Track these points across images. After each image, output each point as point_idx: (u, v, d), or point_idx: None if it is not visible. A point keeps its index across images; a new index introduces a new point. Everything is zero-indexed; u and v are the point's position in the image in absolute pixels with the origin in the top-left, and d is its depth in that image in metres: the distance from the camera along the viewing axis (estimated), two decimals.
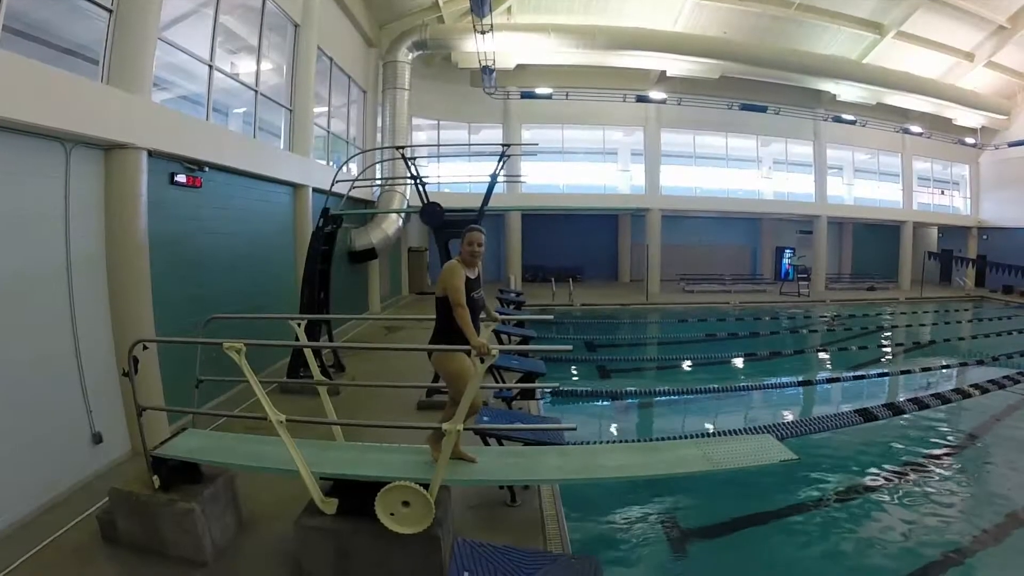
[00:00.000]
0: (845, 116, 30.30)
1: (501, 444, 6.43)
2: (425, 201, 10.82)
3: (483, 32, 18.60)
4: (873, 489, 8.50)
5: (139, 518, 5.10)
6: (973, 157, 35.28)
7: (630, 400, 12.37)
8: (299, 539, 4.81)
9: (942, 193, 36.10)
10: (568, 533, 5.84)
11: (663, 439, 8.87)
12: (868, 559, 6.67)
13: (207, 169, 9.33)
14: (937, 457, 9.79)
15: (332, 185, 11.70)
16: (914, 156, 33.91)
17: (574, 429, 6.01)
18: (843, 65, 27.15)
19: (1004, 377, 14.60)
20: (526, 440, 6.30)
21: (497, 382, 9.20)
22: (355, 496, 4.75)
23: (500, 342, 11.72)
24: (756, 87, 27.44)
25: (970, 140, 33.82)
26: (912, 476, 8.98)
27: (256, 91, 11.91)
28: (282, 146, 13.47)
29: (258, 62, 12.11)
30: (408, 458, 5.25)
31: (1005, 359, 17.18)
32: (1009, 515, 7.74)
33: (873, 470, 9.09)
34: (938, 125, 32.49)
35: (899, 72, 28.08)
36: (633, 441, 9.18)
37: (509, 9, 22.90)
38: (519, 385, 8.76)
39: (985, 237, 35.29)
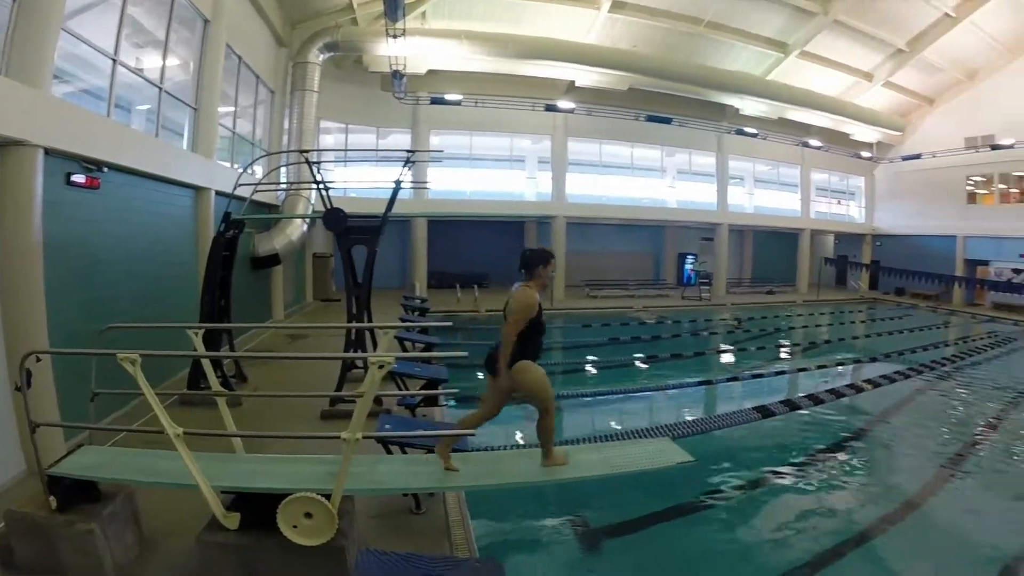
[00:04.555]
0: (748, 129, 31.63)
1: (405, 452, 6.42)
2: (328, 206, 10.63)
3: (395, 36, 18.50)
4: (775, 482, 8.93)
5: (36, 541, 4.87)
6: (868, 169, 37.45)
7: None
8: (202, 556, 4.72)
9: (838, 203, 38.07)
10: (475, 538, 5.89)
11: (567, 443, 9.03)
12: (774, 549, 7.03)
13: (106, 169, 8.95)
14: (834, 450, 10.36)
15: (235, 188, 11.28)
16: (813, 168, 35.72)
17: (473, 435, 6.04)
18: (748, 81, 28.29)
19: (896, 372, 15.51)
20: (428, 447, 6.25)
21: (400, 389, 9.23)
22: (258, 509, 4.68)
23: (404, 349, 11.72)
24: (663, 99, 28.24)
25: (866, 154, 36.02)
26: (811, 468, 9.49)
27: (160, 88, 11.51)
28: (185, 146, 13.04)
29: (164, 57, 11.69)
30: (310, 468, 5.19)
31: (897, 356, 18.28)
32: (904, 502, 8.31)
33: (773, 464, 9.56)
34: (836, 139, 34.38)
35: (801, 89, 29.52)
36: (538, 446, 9.32)
37: (424, 14, 22.71)
38: (422, 392, 8.76)
39: (879, 243, 37.51)
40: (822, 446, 10.43)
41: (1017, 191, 31.33)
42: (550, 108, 27.30)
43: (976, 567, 6.65)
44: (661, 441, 6.20)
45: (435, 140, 26.79)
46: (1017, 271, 29.90)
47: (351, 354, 9.33)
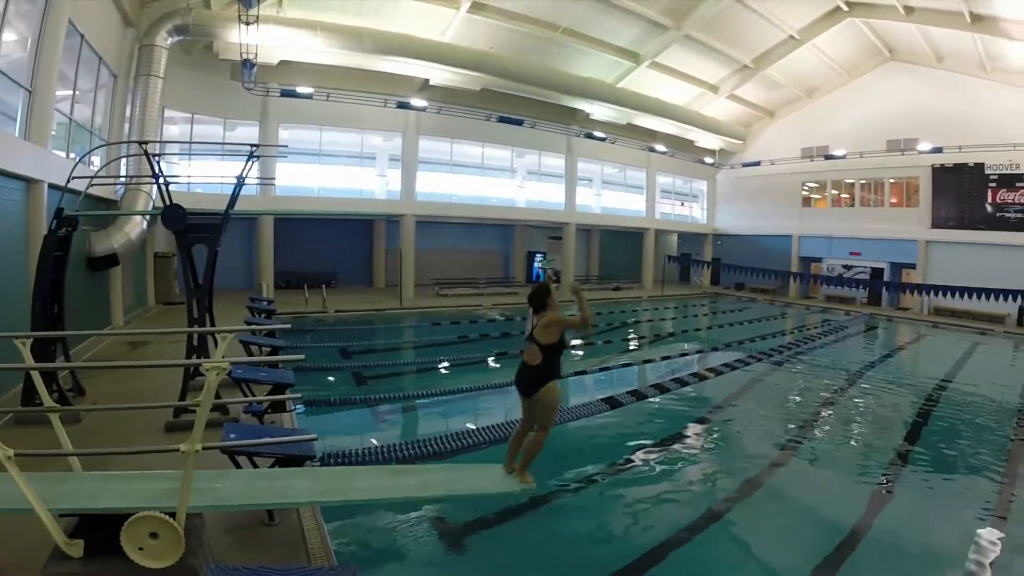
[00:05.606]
0: (597, 133, 32.92)
1: (253, 461, 6.21)
2: (167, 203, 9.93)
3: (248, 23, 17.86)
4: (627, 469, 9.28)
5: None
6: (711, 174, 39.95)
7: (387, 405, 12.41)
8: None
9: (682, 204, 40.10)
10: (333, 545, 5.82)
11: (416, 455, 9.07)
12: (636, 529, 7.42)
13: None
14: (682, 434, 10.95)
15: (68, 181, 10.39)
16: (658, 171, 37.60)
17: (316, 439, 5.97)
18: (599, 87, 29.34)
19: (736, 360, 16.69)
20: (274, 455, 6.14)
21: (245, 395, 8.96)
22: (102, 534, 4.40)
23: (249, 353, 11.39)
24: (515, 101, 28.77)
25: (709, 160, 38.45)
26: (661, 454, 9.93)
27: None
28: (17, 133, 11.78)
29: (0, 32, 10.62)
30: (154, 485, 4.95)
31: (738, 345, 19.68)
32: (750, 478, 8.92)
33: (625, 452, 9.88)
34: (682, 145, 36.24)
35: (650, 97, 30.93)
36: (393, 445, 9.31)
37: (280, 1, 21.95)
38: (267, 398, 8.57)
39: (719, 242, 40.11)
40: (670, 432, 10.96)
41: (848, 196, 34.51)
42: (403, 105, 27.20)
43: (818, 537, 7.21)
44: (502, 470, 6.40)
45: (284, 134, 26.10)
46: (847, 267, 33.47)
47: (188, 361, 8.98)
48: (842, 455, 10.51)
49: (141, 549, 4.32)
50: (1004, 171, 28.14)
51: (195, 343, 9.57)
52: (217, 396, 4.74)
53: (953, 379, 16.29)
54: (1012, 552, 6.79)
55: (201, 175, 20.18)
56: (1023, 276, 25.81)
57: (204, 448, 4.49)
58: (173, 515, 4.36)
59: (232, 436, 6.18)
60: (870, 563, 6.66)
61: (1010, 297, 24.72)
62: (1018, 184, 27.77)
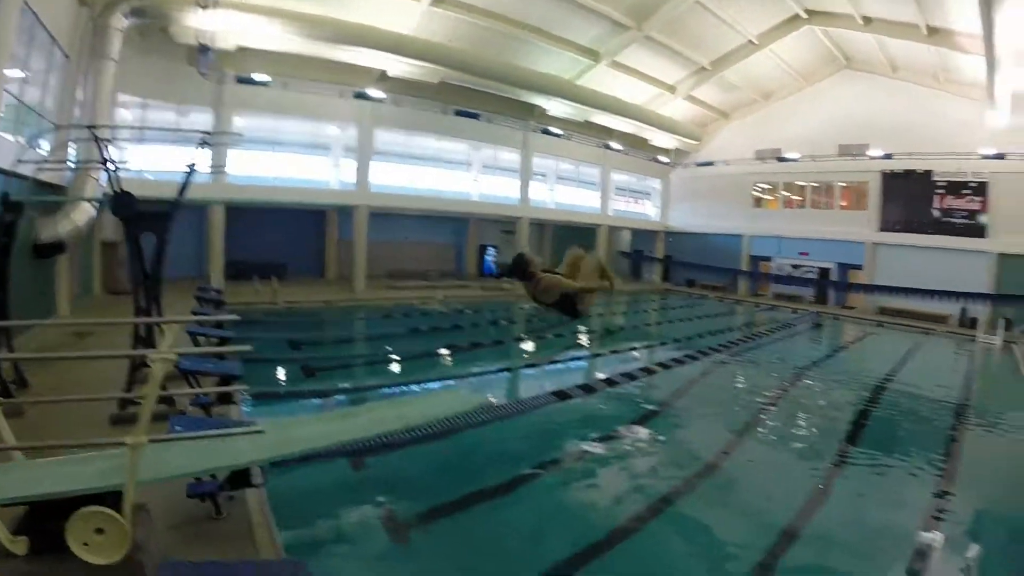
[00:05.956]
0: (553, 129, 33.28)
1: None
2: (116, 190, 9.59)
3: (206, 7, 17.53)
4: (575, 460, 9.39)
5: None
6: (665, 173, 40.35)
7: (337, 398, 12.11)
8: None
9: (636, 202, 40.52)
10: (281, 540, 5.81)
11: (366, 448, 9.03)
12: (582, 520, 7.51)
13: None
14: (632, 425, 10.99)
15: (15, 165, 10.26)
16: (613, 168, 37.74)
17: (263, 432, 5.94)
18: (558, 84, 29.58)
19: (685, 355, 16.99)
20: None
21: (192, 387, 8.86)
22: (47, 530, 4.29)
23: (197, 344, 11.23)
24: (473, 95, 28.84)
25: (664, 159, 38.87)
26: (612, 444, 10.09)
27: None
28: None
29: None
30: (97, 467, 4.79)
31: (687, 340, 20.03)
32: (702, 467, 9.20)
33: (576, 443, 9.97)
34: (637, 144, 36.74)
35: (608, 96, 31.30)
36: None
37: None
38: (213, 389, 8.52)
39: (671, 240, 40.45)
40: (618, 425, 11.01)
41: (799, 198, 35.25)
42: (359, 96, 27.02)
43: (764, 526, 7.40)
44: (452, 392, 6.45)
45: (239, 122, 25.45)
46: (796, 266, 34.27)
47: (134, 352, 8.81)
48: (785, 450, 10.78)
49: (86, 545, 4.24)
50: (951, 179, 29.03)
51: (142, 333, 9.40)
52: (163, 388, 4.67)
53: (896, 376, 16.75)
54: (948, 548, 7.00)
55: (152, 161, 19.74)
56: (966, 279, 26.88)
57: (150, 441, 4.42)
58: (119, 508, 4.28)
59: (178, 428, 6.13)
60: (810, 557, 6.83)
61: (953, 298, 25.41)
62: (964, 192, 28.65)
